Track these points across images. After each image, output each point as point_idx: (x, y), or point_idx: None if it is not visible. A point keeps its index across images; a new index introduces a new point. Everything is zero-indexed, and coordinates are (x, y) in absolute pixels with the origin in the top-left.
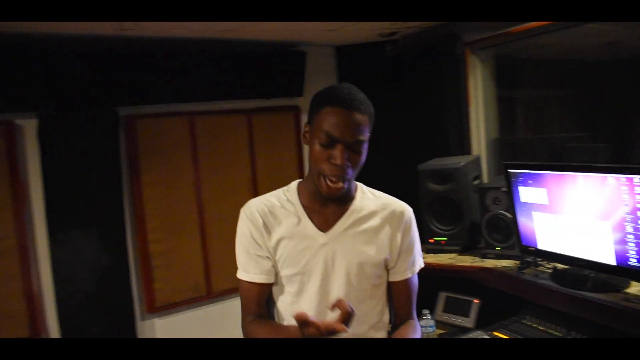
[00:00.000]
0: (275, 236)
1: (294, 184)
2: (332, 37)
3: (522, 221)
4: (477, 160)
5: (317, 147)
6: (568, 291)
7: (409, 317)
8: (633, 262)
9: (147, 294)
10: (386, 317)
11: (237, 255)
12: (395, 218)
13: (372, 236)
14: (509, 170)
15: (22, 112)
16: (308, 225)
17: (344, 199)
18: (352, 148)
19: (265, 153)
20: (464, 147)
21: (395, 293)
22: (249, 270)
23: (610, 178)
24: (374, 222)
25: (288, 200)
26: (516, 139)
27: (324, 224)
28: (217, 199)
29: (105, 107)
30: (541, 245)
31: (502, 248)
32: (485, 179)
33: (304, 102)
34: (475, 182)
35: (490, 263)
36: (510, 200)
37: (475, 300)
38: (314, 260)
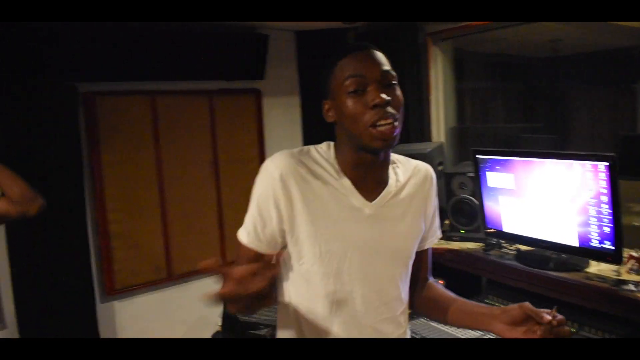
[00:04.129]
0: (304, 203)
1: (325, 145)
2: (293, 22)
3: (488, 205)
4: (441, 146)
5: (348, 101)
6: (533, 270)
7: (427, 280)
8: (595, 243)
9: (107, 276)
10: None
11: (248, 209)
12: (427, 183)
13: (413, 206)
14: (477, 156)
15: None
16: (353, 192)
17: (387, 163)
18: (385, 84)
19: (226, 135)
20: (424, 134)
21: (417, 260)
22: (251, 233)
23: (577, 164)
24: (411, 190)
25: (326, 160)
26: (469, 127)
27: (369, 193)
28: (178, 179)
29: (64, 82)
30: (506, 228)
31: (466, 231)
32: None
33: (265, 85)
34: (440, 168)
35: (455, 245)
36: (477, 185)
37: (440, 281)
38: (357, 235)
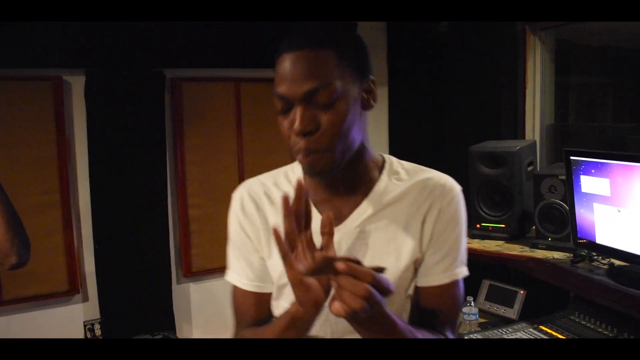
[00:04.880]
0: (265, 232)
1: (296, 163)
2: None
3: (580, 212)
4: (533, 145)
5: (280, 119)
6: (626, 289)
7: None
8: None
9: (185, 258)
10: None
11: (227, 253)
12: (431, 197)
13: (397, 233)
14: (570, 158)
15: (70, 69)
16: (314, 217)
17: (358, 182)
18: (317, 103)
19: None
20: (517, 131)
21: (422, 301)
22: (240, 274)
23: None
24: (402, 210)
25: (291, 183)
26: (571, 126)
27: (335, 217)
28: (258, 167)
29: (152, 68)
30: (599, 239)
31: (553, 239)
32: (538, 166)
33: None
34: (530, 168)
35: (540, 254)
36: (569, 189)
37: (521, 291)
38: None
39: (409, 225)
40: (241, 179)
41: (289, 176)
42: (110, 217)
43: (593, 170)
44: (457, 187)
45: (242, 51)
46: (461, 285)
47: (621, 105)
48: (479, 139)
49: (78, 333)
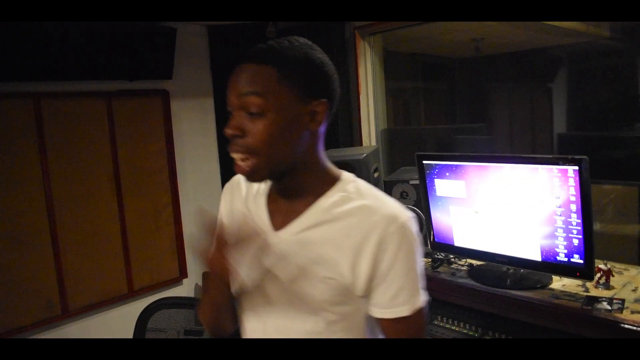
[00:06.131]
0: (233, 212)
1: None
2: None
3: (437, 216)
4: (377, 151)
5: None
6: (492, 290)
7: None
8: (562, 257)
9: None
10: None
11: None
12: (377, 227)
13: (329, 247)
14: (423, 162)
15: None
16: (262, 216)
17: (303, 193)
18: (246, 109)
19: (129, 144)
20: (354, 138)
21: (386, 332)
22: None
23: (542, 169)
24: (339, 227)
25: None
26: (404, 130)
27: (280, 220)
28: (72, 198)
29: None
30: (458, 242)
31: None
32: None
33: (173, 86)
34: (376, 175)
35: None
36: (423, 193)
37: None
38: (252, 266)
39: (343, 246)
40: (51, 214)
41: None
42: None
43: (447, 173)
44: (403, 217)
45: (41, 60)
46: (424, 312)
47: (433, 108)
48: None
49: None
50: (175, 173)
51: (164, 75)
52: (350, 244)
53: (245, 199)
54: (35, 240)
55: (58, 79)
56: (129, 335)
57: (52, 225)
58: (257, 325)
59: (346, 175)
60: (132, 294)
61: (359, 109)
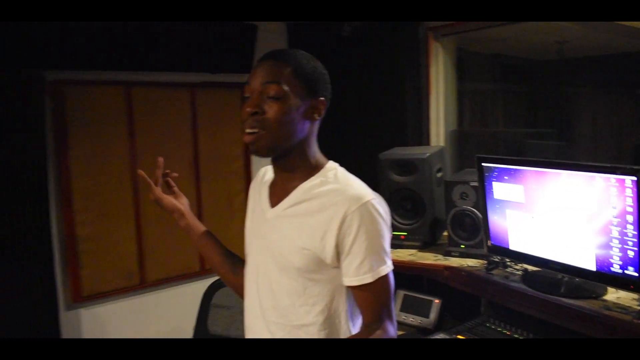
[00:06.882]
0: (253, 198)
1: None
2: None
3: (493, 219)
4: (442, 151)
5: (242, 106)
6: (544, 296)
7: (372, 325)
8: (616, 268)
9: (73, 281)
10: (341, 326)
11: None
12: (342, 206)
13: (305, 221)
14: (482, 164)
15: None
16: (264, 196)
17: (294, 176)
18: (266, 93)
19: (208, 131)
20: (423, 137)
21: (356, 298)
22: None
23: (599, 178)
24: (313, 205)
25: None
26: (470, 131)
27: (276, 199)
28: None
29: (30, 69)
30: (513, 246)
31: (466, 246)
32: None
33: None
34: (439, 175)
35: (454, 261)
36: (481, 196)
37: (435, 300)
38: (259, 236)
39: (316, 220)
40: (135, 191)
41: None
42: None
43: (506, 177)
44: (366, 198)
45: (133, 53)
46: (389, 278)
47: (511, 110)
48: (385, 146)
49: None
50: (250, 161)
51: (245, 69)
52: (321, 219)
53: (259, 186)
54: (120, 216)
55: (148, 69)
56: (196, 310)
57: (136, 204)
58: (252, 278)
59: (330, 164)
60: (203, 272)
61: (429, 109)
